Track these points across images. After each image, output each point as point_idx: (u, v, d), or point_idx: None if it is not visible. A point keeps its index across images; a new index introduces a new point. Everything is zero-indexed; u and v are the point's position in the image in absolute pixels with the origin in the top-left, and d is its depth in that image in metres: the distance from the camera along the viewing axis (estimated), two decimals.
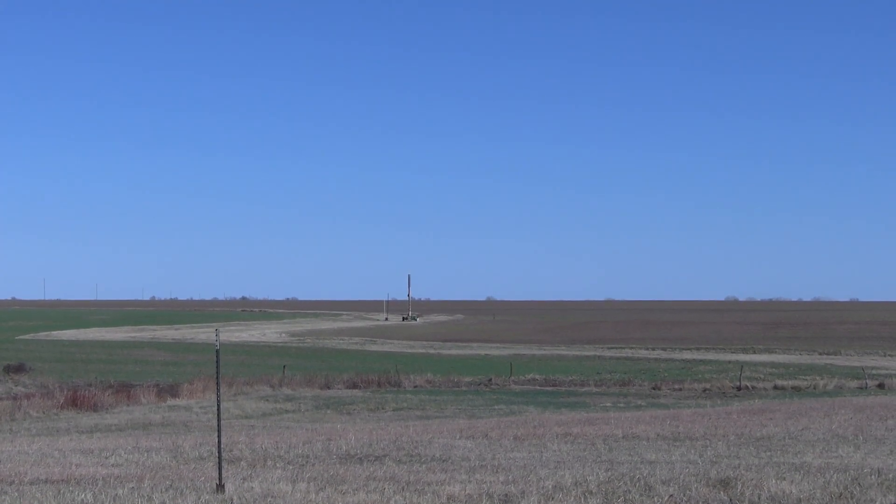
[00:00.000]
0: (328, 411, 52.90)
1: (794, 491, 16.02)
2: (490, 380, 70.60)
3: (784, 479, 17.36)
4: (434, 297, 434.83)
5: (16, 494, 16.80)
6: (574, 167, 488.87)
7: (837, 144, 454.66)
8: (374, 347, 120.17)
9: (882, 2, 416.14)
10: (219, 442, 18.33)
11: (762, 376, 73.30)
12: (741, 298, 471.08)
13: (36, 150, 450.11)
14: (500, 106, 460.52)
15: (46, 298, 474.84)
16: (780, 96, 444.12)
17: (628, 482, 17.13)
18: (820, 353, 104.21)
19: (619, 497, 15.66)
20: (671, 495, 15.80)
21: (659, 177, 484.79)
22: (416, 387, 67.40)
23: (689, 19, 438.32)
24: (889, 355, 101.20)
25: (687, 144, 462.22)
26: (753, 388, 66.37)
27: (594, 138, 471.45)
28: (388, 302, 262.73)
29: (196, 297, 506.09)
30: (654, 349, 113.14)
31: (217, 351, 18.36)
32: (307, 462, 22.85)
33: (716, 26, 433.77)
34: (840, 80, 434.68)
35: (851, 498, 15.51)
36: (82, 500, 15.94)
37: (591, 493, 16.11)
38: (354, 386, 66.92)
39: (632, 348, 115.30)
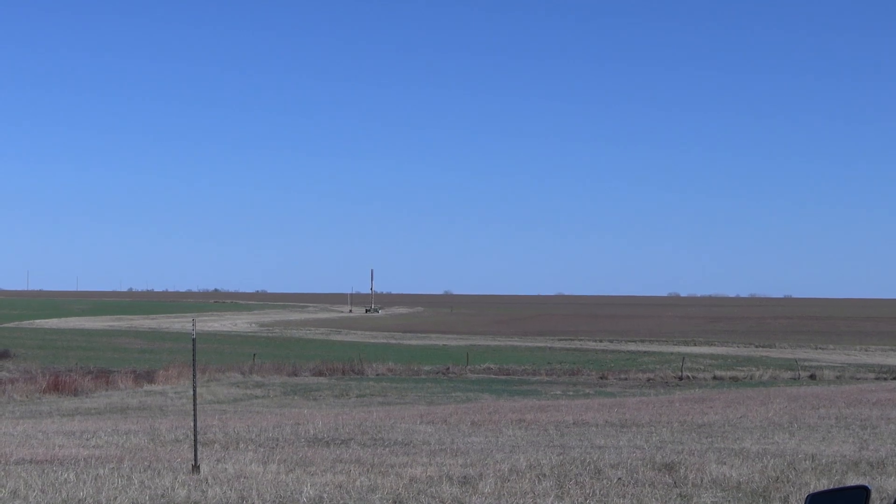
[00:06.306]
0: (295, 397, 52.79)
1: (734, 475, 16.12)
2: (448, 368, 70.59)
3: (724, 463, 17.47)
4: (395, 291, 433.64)
5: (2, 473, 16.67)
6: (525, 166, 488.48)
7: (774, 143, 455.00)
8: (338, 337, 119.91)
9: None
10: (195, 425, 18.28)
11: (702, 367, 73.61)
12: (683, 294, 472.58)
13: (19, 143, 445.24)
14: (459, 101, 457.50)
15: (29, 289, 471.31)
16: (715, 92, 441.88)
17: (579, 466, 17.19)
18: (756, 346, 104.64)
19: (570, 480, 15.70)
20: (619, 478, 15.86)
21: (607, 178, 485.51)
22: (378, 375, 67.30)
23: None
24: (820, 348, 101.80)
25: (633, 142, 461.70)
26: (694, 378, 66.66)
27: (548, 135, 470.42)
28: (352, 295, 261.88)
29: (171, 289, 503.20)
30: (601, 341, 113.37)
31: (193, 339, 18.30)
32: (277, 445, 22.80)
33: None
34: (786, 76, 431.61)
35: (787, 481, 15.62)
36: (65, 479, 15.84)
37: (544, 475, 16.14)
38: (320, 373, 66.76)
39: (580, 340, 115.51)
